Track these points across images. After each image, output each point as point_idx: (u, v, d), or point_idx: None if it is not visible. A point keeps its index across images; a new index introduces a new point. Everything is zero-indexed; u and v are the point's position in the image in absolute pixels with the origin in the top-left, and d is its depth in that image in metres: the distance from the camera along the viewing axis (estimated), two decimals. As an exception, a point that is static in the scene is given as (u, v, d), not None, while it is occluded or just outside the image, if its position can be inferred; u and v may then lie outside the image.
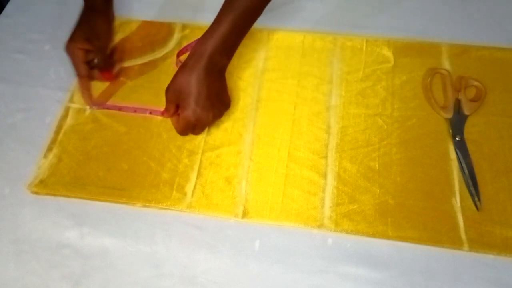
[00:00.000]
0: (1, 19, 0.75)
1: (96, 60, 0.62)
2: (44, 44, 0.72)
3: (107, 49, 0.64)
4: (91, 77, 0.63)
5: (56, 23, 0.74)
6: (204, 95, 0.56)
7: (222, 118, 0.61)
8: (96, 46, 0.61)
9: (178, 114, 0.58)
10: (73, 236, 0.55)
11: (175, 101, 0.57)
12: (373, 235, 0.53)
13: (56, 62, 0.69)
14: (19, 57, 0.70)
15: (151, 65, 0.67)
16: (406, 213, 0.54)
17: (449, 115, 0.60)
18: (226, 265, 0.52)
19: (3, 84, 0.67)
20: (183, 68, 0.56)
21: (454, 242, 0.52)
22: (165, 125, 0.61)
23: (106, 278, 0.52)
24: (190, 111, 0.55)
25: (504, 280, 0.50)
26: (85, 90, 0.63)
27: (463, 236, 0.52)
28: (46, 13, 0.76)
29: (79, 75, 0.62)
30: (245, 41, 0.68)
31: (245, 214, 0.55)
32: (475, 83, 0.62)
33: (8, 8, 0.77)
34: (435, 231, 0.53)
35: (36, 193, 0.57)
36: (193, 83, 0.55)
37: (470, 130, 0.59)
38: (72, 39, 0.61)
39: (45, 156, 0.59)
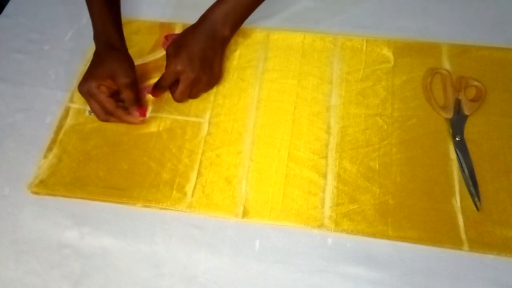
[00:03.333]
0: (1, 19, 0.75)
1: (126, 98, 0.60)
2: (44, 44, 0.72)
3: (137, 84, 0.61)
4: (119, 117, 0.60)
5: (56, 23, 0.74)
6: (198, 53, 0.60)
7: (223, 118, 0.62)
8: (124, 83, 0.59)
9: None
10: (73, 236, 0.54)
11: (173, 54, 0.60)
12: (373, 235, 0.53)
13: (56, 62, 0.69)
14: (19, 57, 0.70)
15: (151, 65, 0.67)
16: (406, 213, 0.54)
17: (449, 115, 0.60)
18: (226, 265, 0.52)
19: (3, 84, 0.67)
20: (189, 27, 0.62)
21: (454, 242, 0.52)
22: (165, 125, 0.62)
23: (106, 278, 0.52)
24: (181, 60, 0.59)
25: (504, 280, 0.50)
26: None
27: (463, 236, 0.52)
28: (46, 13, 0.76)
29: (108, 111, 0.59)
30: (245, 41, 0.69)
31: (245, 214, 0.55)
32: (475, 83, 0.62)
33: (8, 8, 0.77)
34: (435, 231, 0.53)
35: (37, 193, 0.57)
36: (191, 39, 0.61)
37: (470, 130, 0.59)
38: (91, 77, 0.58)
39: (45, 156, 0.59)
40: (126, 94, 0.60)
